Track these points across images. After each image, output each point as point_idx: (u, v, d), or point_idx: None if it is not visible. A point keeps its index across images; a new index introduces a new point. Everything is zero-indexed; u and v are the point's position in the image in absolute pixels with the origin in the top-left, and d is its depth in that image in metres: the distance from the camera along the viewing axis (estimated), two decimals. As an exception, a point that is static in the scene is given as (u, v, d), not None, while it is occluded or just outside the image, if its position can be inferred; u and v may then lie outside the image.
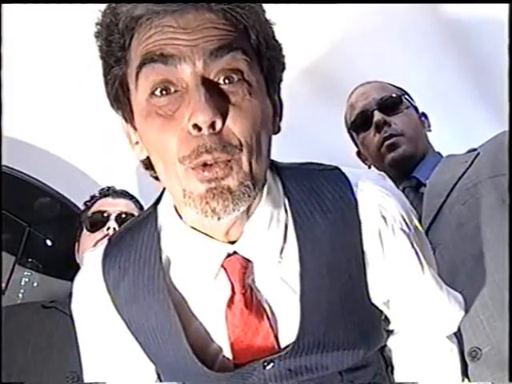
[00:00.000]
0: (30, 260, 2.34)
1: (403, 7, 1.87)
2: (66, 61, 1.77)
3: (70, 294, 1.70)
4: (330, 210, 0.86)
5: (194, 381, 0.88)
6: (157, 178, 0.86)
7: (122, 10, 0.76)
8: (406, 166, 1.56)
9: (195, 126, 0.72)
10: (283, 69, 0.86)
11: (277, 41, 0.84)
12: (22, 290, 2.28)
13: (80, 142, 2.04)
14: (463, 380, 1.08)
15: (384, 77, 1.72)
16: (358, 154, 1.75)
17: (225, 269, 0.85)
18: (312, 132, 2.01)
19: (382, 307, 0.98)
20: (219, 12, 0.76)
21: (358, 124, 1.65)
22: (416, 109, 1.66)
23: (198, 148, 0.73)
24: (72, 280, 1.75)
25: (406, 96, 1.66)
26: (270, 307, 0.87)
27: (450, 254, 1.26)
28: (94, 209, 1.73)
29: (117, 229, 1.61)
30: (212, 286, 0.86)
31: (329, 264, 0.86)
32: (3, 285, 2.14)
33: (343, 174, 0.90)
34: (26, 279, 2.31)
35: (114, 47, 0.79)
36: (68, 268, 1.74)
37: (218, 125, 0.73)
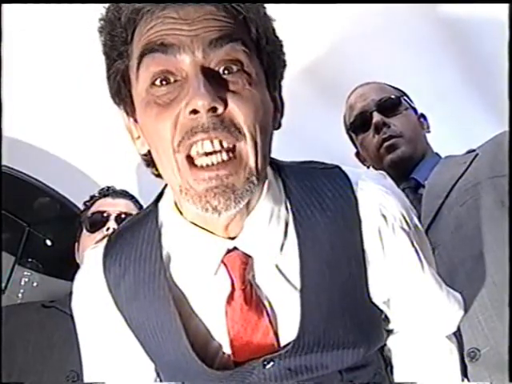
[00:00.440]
0: (29, 260, 2.34)
1: (403, 8, 1.87)
2: (65, 61, 1.77)
3: (70, 294, 1.70)
4: (330, 209, 0.87)
5: (194, 379, 0.88)
6: (158, 176, 0.86)
7: (124, 5, 0.78)
8: (405, 167, 1.56)
9: (193, 111, 0.73)
10: (284, 66, 0.86)
11: (277, 37, 0.84)
12: (21, 290, 2.28)
13: (80, 142, 2.04)
14: (463, 380, 1.09)
15: (384, 77, 1.72)
16: (357, 154, 1.75)
17: (225, 264, 0.85)
18: (311, 132, 2.01)
19: (382, 306, 0.98)
20: (219, 5, 0.77)
21: (357, 125, 1.65)
22: (415, 110, 1.67)
23: (191, 129, 0.74)
24: (72, 280, 1.75)
25: (405, 97, 1.66)
26: (270, 303, 0.87)
27: (448, 254, 1.26)
28: (93, 209, 1.73)
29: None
30: (212, 282, 0.87)
31: (329, 262, 0.86)
32: (3, 285, 2.14)
33: (343, 172, 0.90)
34: (26, 279, 2.31)
35: (117, 41, 0.80)
36: (68, 268, 1.74)
37: (220, 109, 0.73)
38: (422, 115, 1.68)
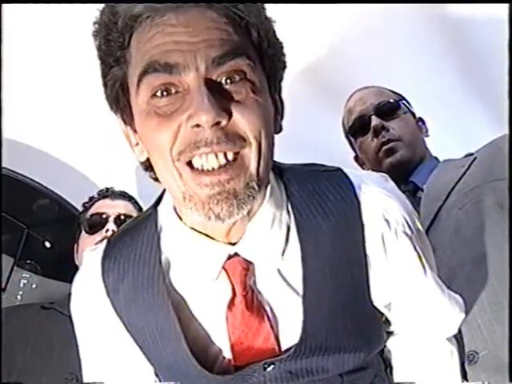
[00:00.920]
0: (28, 262, 2.34)
1: (403, 9, 1.87)
2: (65, 62, 1.77)
3: (69, 295, 1.70)
4: (333, 212, 0.86)
5: (194, 383, 0.88)
6: (156, 179, 0.85)
7: (120, 8, 0.75)
8: (404, 171, 1.57)
9: (196, 125, 0.72)
10: (284, 67, 0.86)
11: (278, 38, 0.83)
12: (20, 292, 2.27)
13: (79, 143, 2.03)
14: (462, 382, 1.09)
15: (383, 79, 1.73)
16: (356, 158, 1.76)
17: (226, 270, 0.84)
18: (311, 134, 2.01)
19: (383, 310, 0.98)
20: (220, 9, 0.75)
21: (356, 129, 1.66)
22: (413, 114, 1.67)
23: (194, 142, 0.73)
24: (71, 282, 1.75)
25: (404, 101, 1.67)
26: (272, 309, 0.86)
27: (447, 257, 1.26)
28: (92, 210, 1.73)
29: (115, 231, 1.61)
30: (212, 288, 0.86)
31: (331, 266, 0.85)
32: (2, 286, 2.14)
33: (345, 175, 0.89)
34: (25, 281, 2.31)
35: (113, 46, 0.78)
36: (67, 270, 1.73)
37: (224, 122, 0.73)
38: (421, 119, 1.69)
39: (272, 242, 0.85)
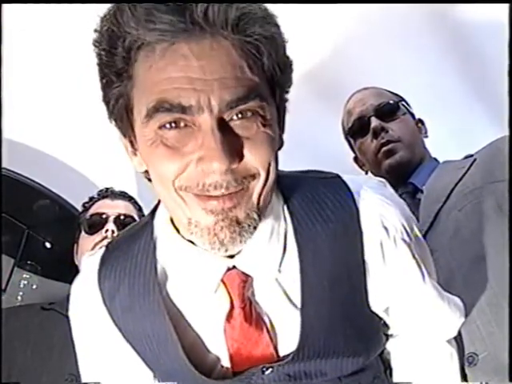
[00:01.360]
0: (28, 262, 2.34)
1: (403, 10, 1.87)
2: (65, 62, 1.77)
3: (69, 296, 1.71)
4: (331, 220, 0.85)
5: None
6: None
7: (128, 24, 0.71)
8: (403, 172, 1.57)
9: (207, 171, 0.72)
10: (291, 84, 0.84)
11: (288, 57, 0.81)
12: (20, 293, 2.28)
13: (79, 144, 2.04)
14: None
15: (383, 80, 1.73)
16: (355, 159, 1.76)
17: (224, 283, 0.84)
18: (311, 135, 2.01)
19: (381, 314, 0.98)
20: (235, 40, 0.73)
21: (355, 130, 1.66)
22: (413, 115, 1.67)
23: (203, 184, 0.73)
24: (71, 282, 1.75)
25: (403, 102, 1.66)
26: (270, 320, 0.87)
27: (447, 259, 1.26)
28: (92, 211, 1.72)
29: (115, 231, 1.61)
30: (210, 299, 0.86)
31: (330, 274, 0.85)
32: (2, 286, 2.14)
33: (344, 182, 0.89)
34: (25, 281, 2.31)
35: (117, 59, 0.74)
36: (67, 270, 1.73)
37: (235, 165, 0.72)
38: (420, 120, 1.69)
39: (270, 254, 0.85)
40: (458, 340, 1.12)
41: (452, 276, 1.23)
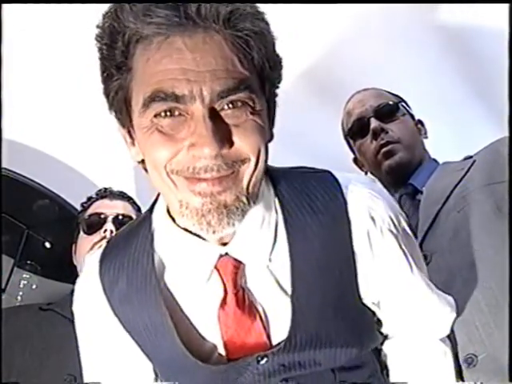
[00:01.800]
0: (28, 262, 2.34)
1: (402, 10, 1.87)
2: (65, 62, 1.78)
3: (67, 296, 1.70)
4: (321, 211, 0.89)
5: (191, 376, 0.90)
6: None
7: (127, 20, 0.76)
8: (403, 173, 1.57)
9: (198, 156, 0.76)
10: (280, 80, 0.88)
11: (278, 55, 0.85)
12: (20, 293, 2.28)
13: (78, 144, 2.04)
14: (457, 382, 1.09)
15: (382, 80, 1.73)
16: (355, 160, 1.76)
17: (217, 270, 0.88)
18: (310, 136, 2.01)
19: (373, 307, 1.00)
20: (226, 35, 0.77)
21: (355, 131, 1.66)
22: (412, 116, 1.67)
23: (194, 168, 0.77)
24: (71, 282, 1.75)
25: (403, 103, 1.66)
26: (263, 308, 0.89)
27: (446, 260, 1.27)
28: (90, 211, 1.72)
29: (114, 231, 1.61)
30: (205, 287, 0.89)
31: (319, 263, 0.88)
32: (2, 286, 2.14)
33: (334, 176, 0.92)
34: (25, 281, 2.31)
35: (117, 53, 0.79)
36: (67, 270, 1.74)
37: (225, 150, 0.76)
38: (420, 121, 1.69)
39: (261, 241, 0.88)
40: (452, 339, 1.12)
41: (451, 277, 1.23)
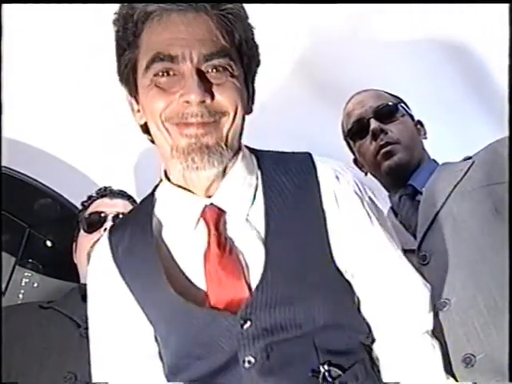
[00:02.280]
0: (30, 261, 2.35)
1: (403, 10, 1.87)
2: (65, 61, 1.78)
3: (67, 295, 1.71)
4: (295, 174, 1.06)
5: (178, 318, 1.02)
6: (153, 141, 1.08)
7: (137, 6, 0.99)
8: (402, 174, 1.56)
9: (186, 102, 0.96)
10: (258, 64, 1.10)
11: (255, 42, 1.07)
12: (22, 291, 2.29)
13: (80, 143, 2.05)
14: (448, 378, 1.10)
15: (382, 81, 1.73)
16: (355, 161, 1.76)
17: (204, 219, 1.04)
18: (310, 136, 2.01)
19: (347, 276, 1.06)
20: (213, 15, 1.00)
21: (355, 132, 1.66)
22: (412, 117, 1.67)
23: (183, 114, 0.97)
24: (72, 281, 1.76)
25: (402, 104, 1.66)
26: (242, 254, 1.02)
27: (445, 261, 1.27)
28: (91, 209, 1.73)
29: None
30: (192, 236, 1.05)
31: (292, 215, 1.03)
32: (3, 285, 2.15)
33: (309, 154, 1.10)
34: (27, 280, 2.32)
35: (128, 34, 1.01)
36: (68, 269, 1.75)
37: (208, 100, 0.96)
38: (419, 122, 1.69)
39: (242, 197, 1.05)
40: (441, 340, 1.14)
41: (450, 278, 1.24)
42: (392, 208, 1.59)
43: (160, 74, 0.98)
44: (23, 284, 2.31)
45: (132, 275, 1.07)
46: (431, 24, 1.96)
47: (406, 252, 1.16)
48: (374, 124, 1.58)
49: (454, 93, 2.10)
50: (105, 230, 1.64)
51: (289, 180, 1.05)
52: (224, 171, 1.05)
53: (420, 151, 1.61)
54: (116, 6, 1.02)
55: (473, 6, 1.81)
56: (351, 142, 1.71)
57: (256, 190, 1.06)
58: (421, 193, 1.48)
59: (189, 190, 1.05)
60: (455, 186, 1.36)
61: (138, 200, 1.76)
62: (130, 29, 1.00)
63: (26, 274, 2.33)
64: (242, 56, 1.04)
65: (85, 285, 1.63)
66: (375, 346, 1.08)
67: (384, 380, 1.05)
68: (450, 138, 2.04)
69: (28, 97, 1.85)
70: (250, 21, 1.05)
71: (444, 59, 2.06)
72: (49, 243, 2.40)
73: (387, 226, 1.12)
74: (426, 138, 1.67)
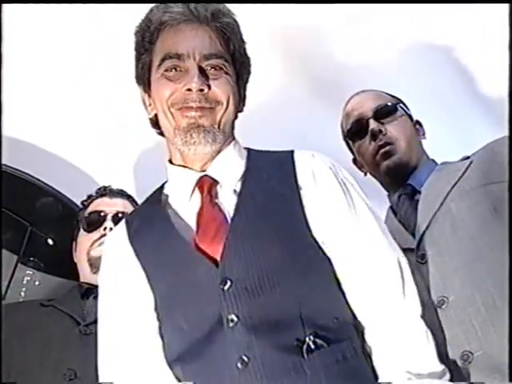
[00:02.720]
0: (31, 259, 2.36)
1: (403, 10, 1.87)
2: (65, 61, 1.79)
3: (68, 293, 1.71)
4: (274, 159, 1.24)
5: (175, 263, 1.13)
6: (161, 134, 1.28)
7: (153, 18, 1.20)
8: (401, 174, 1.56)
9: (188, 89, 1.15)
10: (249, 73, 1.30)
11: (246, 53, 1.27)
12: (23, 289, 2.30)
13: (81, 142, 2.05)
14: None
15: (381, 81, 1.73)
16: (354, 161, 1.76)
17: (199, 188, 1.19)
18: (310, 137, 2.01)
19: (323, 247, 1.12)
20: (213, 27, 1.20)
21: (354, 132, 1.66)
22: (410, 117, 1.67)
23: (185, 100, 1.16)
24: (74, 279, 1.76)
25: (401, 104, 1.66)
26: (226, 212, 1.15)
27: (443, 260, 1.28)
28: (90, 209, 1.74)
29: (114, 229, 1.62)
30: (190, 201, 1.19)
31: (267, 186, 1.17)
32: (5, 283, 2.16)
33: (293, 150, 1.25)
34: (28, 278, 2.33)
35: (146, 42, 1.22)
36: (69, 267, 1.75)
37: (205, 90, 1.16)
38: (418, 122, 1.69)
39: (232, 170, 1.22)
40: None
41: (448, 276, 1.25)
42: (391, 207, 1.59)
43: (169, 69, 1.18)
44: (25, 282, 2.31)
45: (142, 242, 1.20)
46: (431, 24, 1.95)
47: (405, 251, 1.18)
48: (373, 124, 1.58)
49: (453, 93, 2.09)
50: (104, 229, 1.66)
51: (270, 165, 1.23)
52: (218, 153, 1.22)
53: (419, 151, 1.61)
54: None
55: (473, 6, 1.81)
56: (350, 143, 1.71)
57: (244, 171, 1.22)
58: (420, 192, 1.48)
59: (188, 168, 1.22)
60: (454, 186, 1.36)
61: (138, 200, 1.77)
62: (147, 38, 1.21)
63: (27, 272, 2.34)
64: (234, 62, 1.24)
65: (84, 283, 1.65)
66: (365, 335, 1.08)
67: (374, 361, 1.06)
68: (449, 137, 2.04)
69: (29, 96, 1.85)
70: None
71: (444, 59, 2.05)
72: (50, 241, 2.40)
73: (362, 197, 1.21)
74: (424, 138, 1.67)
